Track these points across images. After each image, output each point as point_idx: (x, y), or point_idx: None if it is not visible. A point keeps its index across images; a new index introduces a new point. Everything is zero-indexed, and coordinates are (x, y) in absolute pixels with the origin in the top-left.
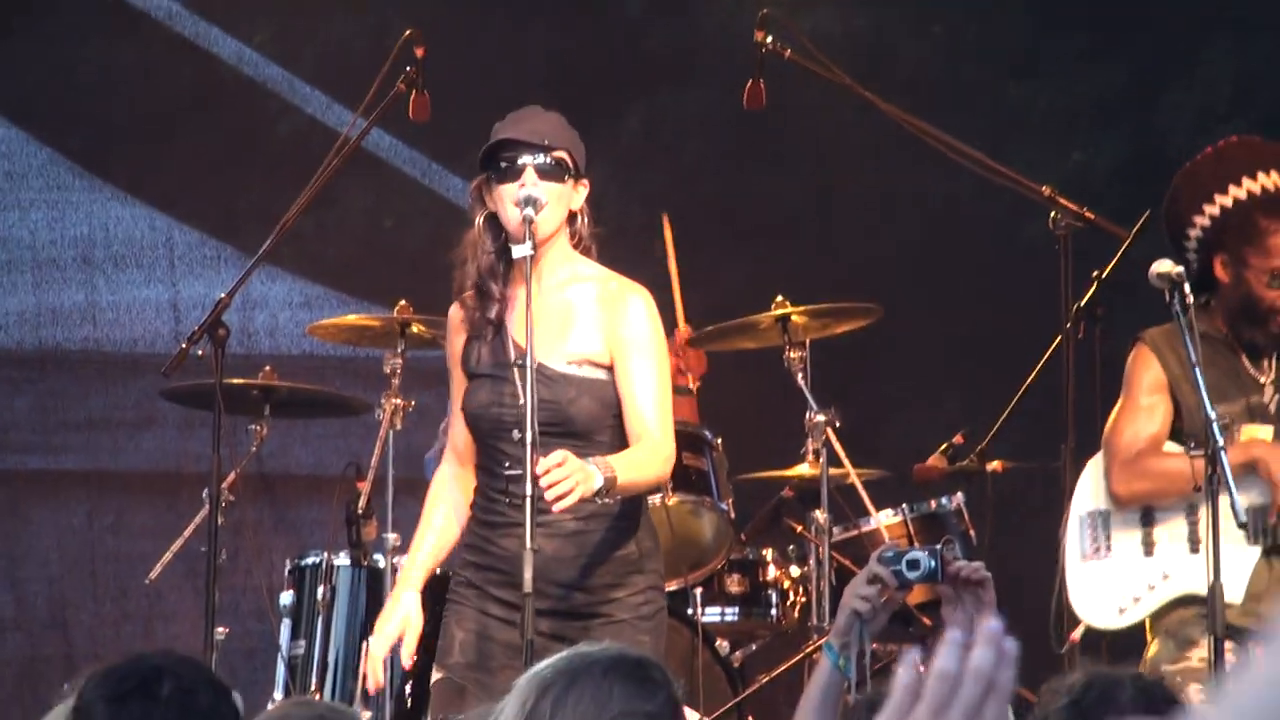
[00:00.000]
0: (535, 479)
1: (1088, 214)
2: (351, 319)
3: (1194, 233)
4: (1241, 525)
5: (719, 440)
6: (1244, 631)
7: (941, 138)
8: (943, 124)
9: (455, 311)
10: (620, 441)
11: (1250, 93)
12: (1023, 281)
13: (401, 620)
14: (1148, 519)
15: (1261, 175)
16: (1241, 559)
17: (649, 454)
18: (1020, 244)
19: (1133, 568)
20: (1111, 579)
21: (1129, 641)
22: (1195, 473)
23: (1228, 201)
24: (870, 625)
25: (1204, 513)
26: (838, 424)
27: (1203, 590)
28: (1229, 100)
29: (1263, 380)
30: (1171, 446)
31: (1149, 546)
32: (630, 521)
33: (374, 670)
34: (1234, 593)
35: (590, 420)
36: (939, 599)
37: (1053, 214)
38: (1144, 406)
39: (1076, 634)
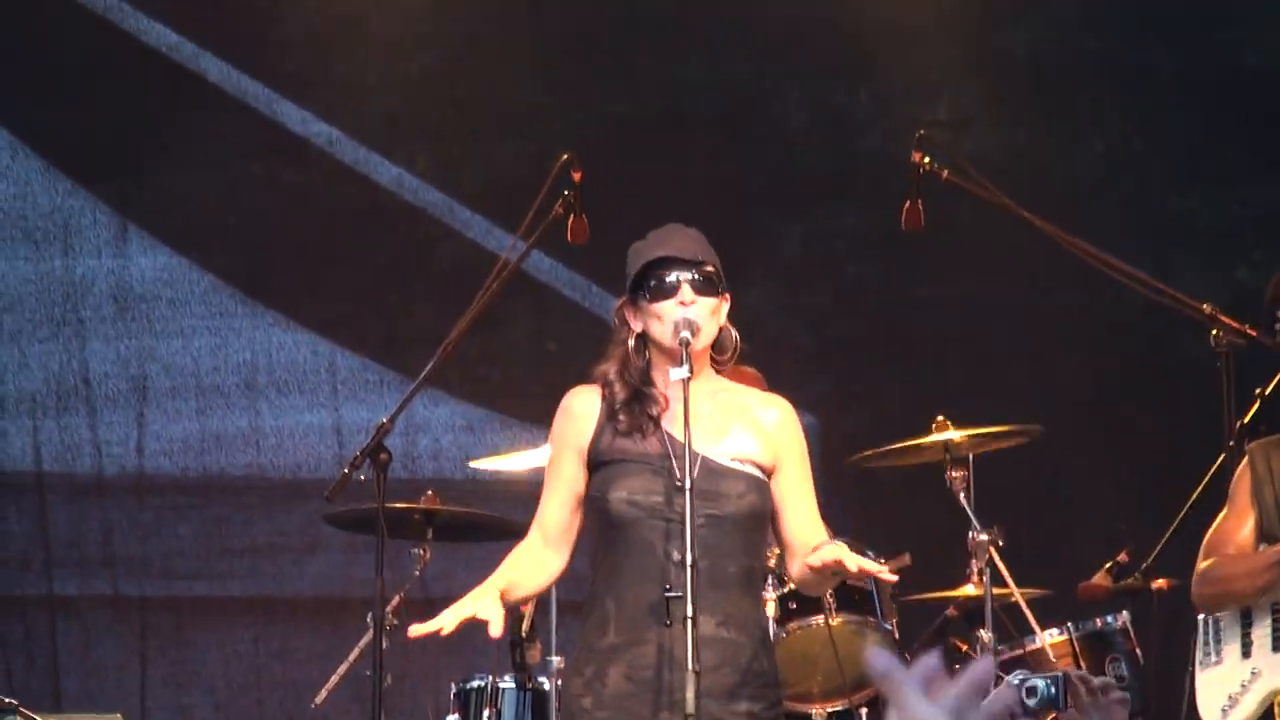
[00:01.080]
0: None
1: (1250, 330)
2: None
3: None
4: None
5: (883, 560)
6: None
7: (1101, 256)
8: (1104, 241)
9: (578, 399)
10: (756, 540)
11: None
12: (1185, 398)
13: (475, 605)
14: (1247, 620)
15: None
16: None
17: None
18: (1183, 360)
19: (1234, 669)
20: (1220, 681)
21: None
22: (1251, 569)
23: None
24: None
25: None
26: (1001, 543)
27: None
28: None
29: None
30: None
31: (1247, 647)
32: (764, 633)
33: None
34: None
35: (748, 516)
36: None
37: (1214, 330)
38: (1234, 513)
39: None
